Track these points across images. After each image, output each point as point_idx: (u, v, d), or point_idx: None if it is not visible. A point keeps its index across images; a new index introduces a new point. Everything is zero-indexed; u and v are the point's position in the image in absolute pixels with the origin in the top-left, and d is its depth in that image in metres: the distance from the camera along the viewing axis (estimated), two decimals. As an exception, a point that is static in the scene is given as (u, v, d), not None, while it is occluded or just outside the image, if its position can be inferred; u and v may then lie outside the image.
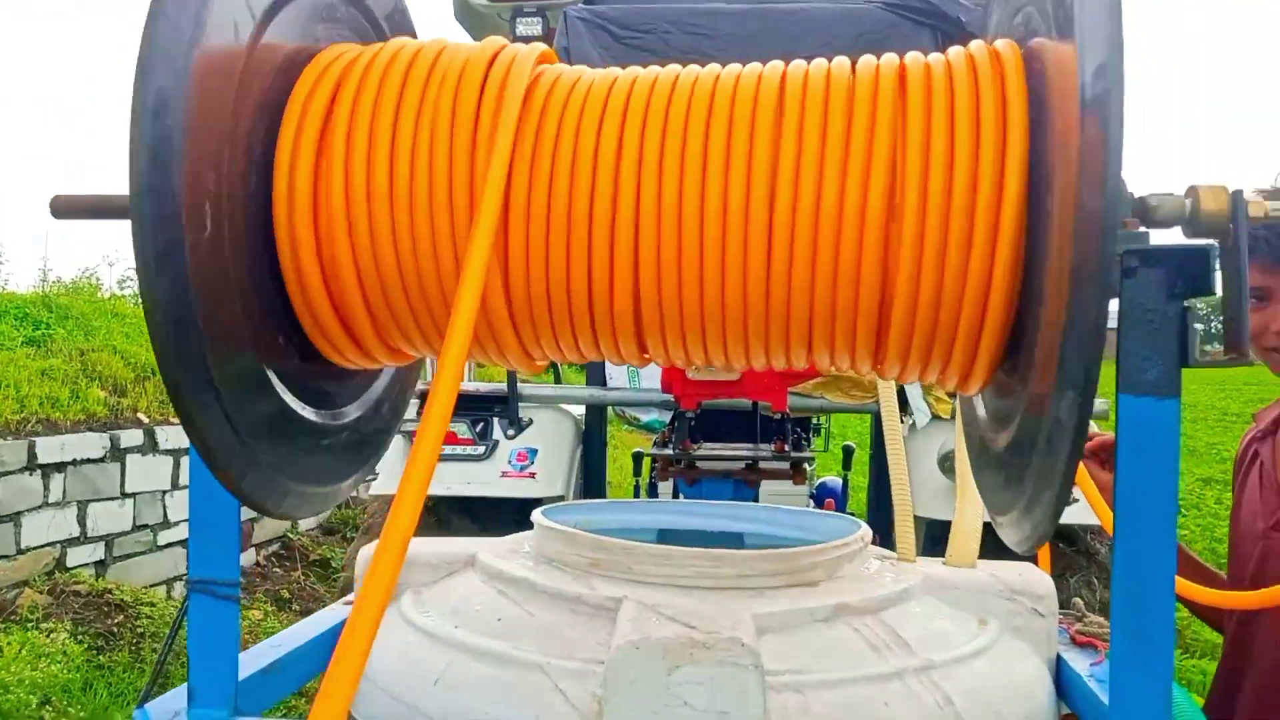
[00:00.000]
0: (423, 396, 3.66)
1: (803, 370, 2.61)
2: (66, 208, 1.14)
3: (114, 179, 1.14)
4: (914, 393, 3.18)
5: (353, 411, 1.32)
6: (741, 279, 1.05)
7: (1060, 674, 1.46)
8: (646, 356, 1.19)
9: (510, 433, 3.38)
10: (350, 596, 1.65)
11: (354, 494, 9.03)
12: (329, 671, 0.81)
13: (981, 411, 1.29)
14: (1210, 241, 1.05)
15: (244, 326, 1.05)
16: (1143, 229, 1.05)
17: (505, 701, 1.23)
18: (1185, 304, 1.06)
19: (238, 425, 1.02)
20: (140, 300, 0.96)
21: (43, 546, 5.40)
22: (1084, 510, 2.94)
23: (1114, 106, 0.88)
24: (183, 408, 0.96)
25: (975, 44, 1.12)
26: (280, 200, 1.08)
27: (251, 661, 1.33)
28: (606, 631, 1.28)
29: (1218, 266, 1.06)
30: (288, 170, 1.08)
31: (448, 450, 3.37)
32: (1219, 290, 1.06)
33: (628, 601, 1.33)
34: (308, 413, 1.17)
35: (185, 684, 1.23)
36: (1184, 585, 1.58)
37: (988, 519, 1.65)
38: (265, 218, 1.09)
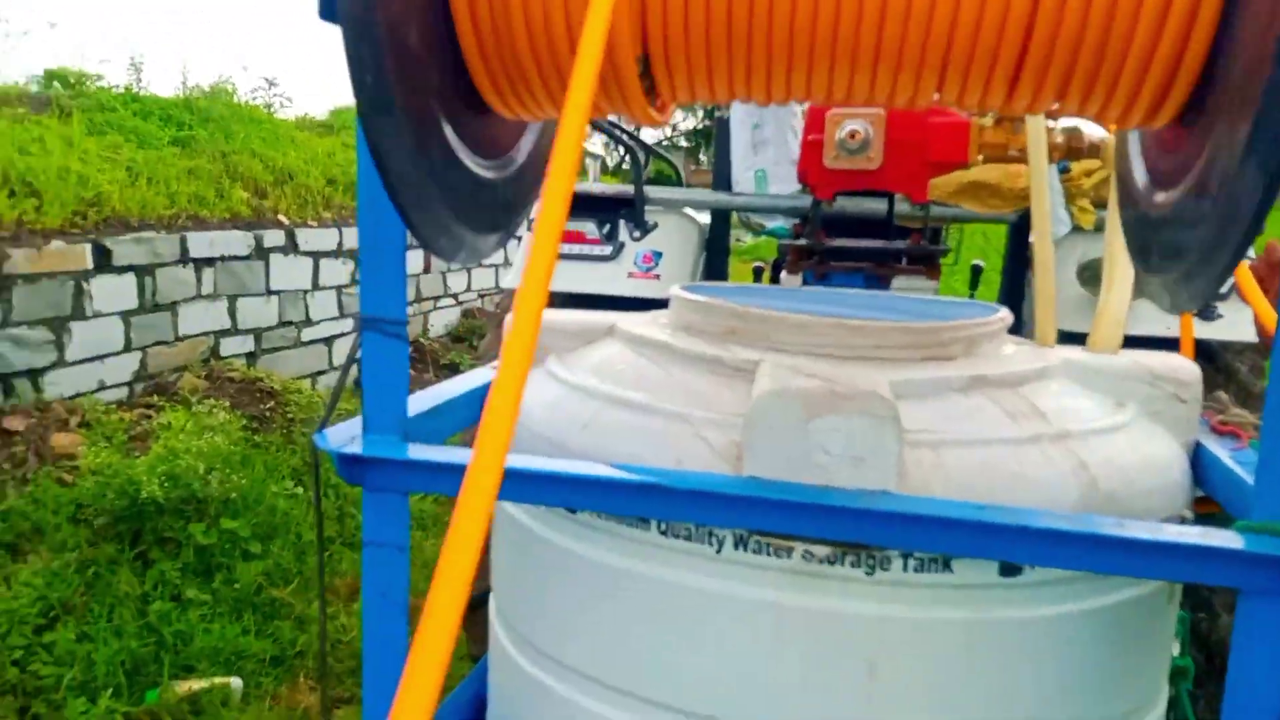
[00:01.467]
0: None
1: (947, 159, 2.52)
2: None
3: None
4: (1056, 201, 3.06)
5: (508, 164, 1.36)
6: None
7: (1199, 459, 1.45)
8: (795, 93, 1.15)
9: (636, 235, 3.41)
10: (496, 361, 1.75)
11: (479, 304, 9.25)
12: (484, 416, 0.83)
13: (1141, 174, 1.25)
14: None
15: (423, 63, 1.08)
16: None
17: (649, 445, 1.31)
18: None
19: (413, 159, 1.07)
20: (343, 38, 1.00)
21: (198, 336, 5.81)
22: (1227, 326, 2.85)
23: None
24: (371, 133, 1.01)
25: None
26: None
27: (417, 404, 1.43)
28: (745, 390, 1.33)
29: None
30: None
31: (575, 250, 3.44)
32: None
33: (765, 362, 1.37)
34: (468, 158, 1.22)
35: (358, 416, 1.35)
36: None
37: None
38: None
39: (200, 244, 5.78)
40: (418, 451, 1.28)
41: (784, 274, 3.15)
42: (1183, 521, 1.35)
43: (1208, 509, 1.45)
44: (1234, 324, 2.83)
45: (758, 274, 5.22)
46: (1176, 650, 1.62)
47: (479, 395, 1.59)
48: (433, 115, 1.11)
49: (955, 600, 1.22)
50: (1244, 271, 1.77)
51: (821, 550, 1.21)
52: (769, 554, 1.23)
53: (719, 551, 1.25)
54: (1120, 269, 1.62)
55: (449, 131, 1.15)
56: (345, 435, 1.31)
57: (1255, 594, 1.07)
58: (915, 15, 1.00)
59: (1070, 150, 2.59)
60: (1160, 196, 1.14)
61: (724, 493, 1.18)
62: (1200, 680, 1.78)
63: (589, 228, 3.44)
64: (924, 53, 1.02)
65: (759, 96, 1.16)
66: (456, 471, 1.25)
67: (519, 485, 1.24)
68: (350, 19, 0.98)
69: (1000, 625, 1.23)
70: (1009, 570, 1.21)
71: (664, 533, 1.27)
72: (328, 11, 1.08)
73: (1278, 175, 0.89)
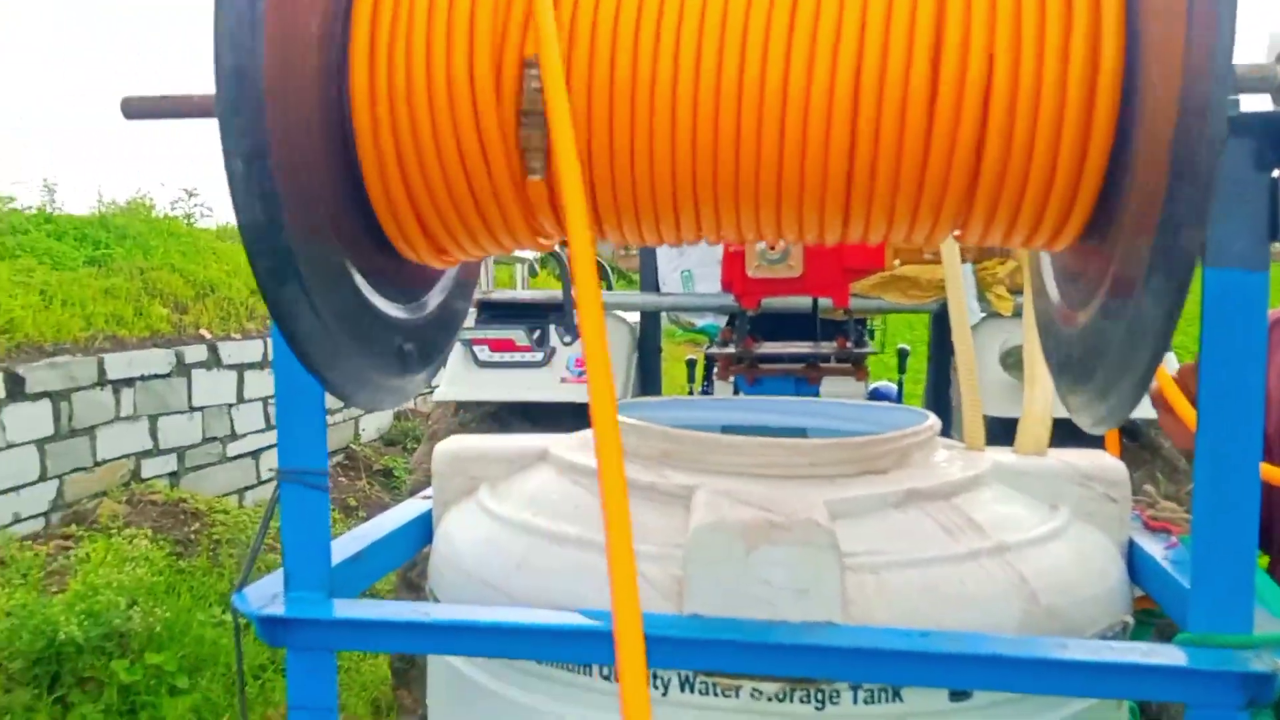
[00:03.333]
0: (479, 305, 3.69)
1: (865, 265, 2.58)
2: (139, 108, 1.15)
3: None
4: (969, 292, 3.14)
5: (427, 305, 1.34)
6: (824, 149, 1.02)
7: (1133, 558, 1.46)
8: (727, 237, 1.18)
9: (567, 339, 3.41)
10: (426, 491, 1.70)
11: (412, 405, 9.04)
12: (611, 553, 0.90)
13: (1055, 293, 1.27)
14: (1303, 110, 1.01)
15: (326, 221, 1.06)
16: (1231, 97, 1.01)
17: (587, 583, 1.27)
18: (1275, 174, 1.02)
19: (323, 316, 1.04)
20: (231, 197, 0.97)
21: (118, 459, 5.61)
22: (1147, 404, 2.92)
23: None
24: (274, 300, 0.99)
25: None
26: (360, 95, 1.08)
27: (341, 549, 1.38)
28: (681, 518, 1.31)
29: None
30: (366, 64, 1.08)
31: (507, 357, 3.42)
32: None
33: (701, 489, 1.35)
34: (386, 306, 1.19)
35: (279, 570, 1.29)
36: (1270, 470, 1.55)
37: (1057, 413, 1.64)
38: (342, 114, 1.09)
39: (118, 364, 5.62)
40: (345, 608, 1.23)
41: (716, 379, 3.16)
42: (1125, 628, 1.35)
43: (1146, 605, 1.46)
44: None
45: (691, 367, 5.25)
46: (1129, 742, 1.61)
47: (403, 534, 1.54)
48: (341, 269, 1.10)
49: (907, 729, 1.19)
50: (1164, 376, 1.79)
51: (769, 687, 1.18)
52: (716, 694, 1.19)
53: (665, 694, 1.21)
54: (1040, 368, 1.64)
55: (360, 280, 1.13)
56: (266, 594, 1.25)
57: (1203, 707, 1.07)
58: (834, 161, 1.02)
59: (981, 252, 2.67)
60: (1072, 316, 1.17)
61: (666, 635, 1.15)
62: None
63: (518, 335, 3.44)
64: (821, 194, 1.05)
65: (688, 238, 1.18)
66: (385, 628, 1.20)
67: (454, 638, 1.19)
68: (245, 201, 0.95)
69: (954, 751, 1.20)
70: (958, 695, 1.19)
71: (607, 677, 1.23)
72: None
73: (1184, 289, 0.91)
